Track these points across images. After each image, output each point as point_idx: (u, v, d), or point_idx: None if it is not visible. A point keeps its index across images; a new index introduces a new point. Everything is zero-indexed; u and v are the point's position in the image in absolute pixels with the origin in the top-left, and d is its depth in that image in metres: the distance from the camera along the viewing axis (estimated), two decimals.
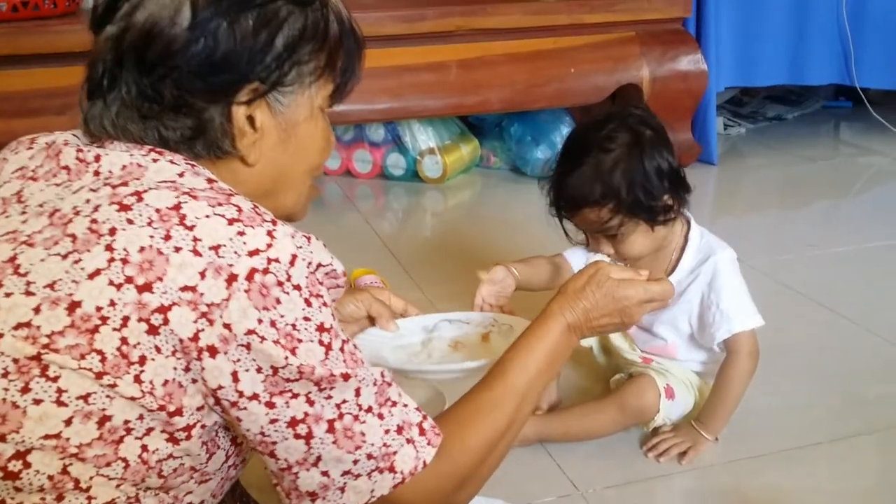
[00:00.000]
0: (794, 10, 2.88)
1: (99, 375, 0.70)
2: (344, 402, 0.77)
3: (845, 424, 1.42)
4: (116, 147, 0.79)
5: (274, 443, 0.76)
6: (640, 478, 1.31)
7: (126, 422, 0.72)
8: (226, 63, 0.78)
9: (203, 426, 0.75)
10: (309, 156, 0.87)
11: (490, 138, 2.85)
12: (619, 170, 1.26)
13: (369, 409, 0.79)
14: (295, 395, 0.74)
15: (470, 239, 2.30)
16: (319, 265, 0.77)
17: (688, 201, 1.32)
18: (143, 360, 0.71)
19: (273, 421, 0.75)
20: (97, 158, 0.78)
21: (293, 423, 0.75)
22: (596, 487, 1.28)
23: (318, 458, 0.77)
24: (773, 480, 1.29)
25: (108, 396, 0.71)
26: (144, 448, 0.73)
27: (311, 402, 0.75)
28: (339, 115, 2.46)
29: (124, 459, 0.73)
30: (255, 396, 0.73)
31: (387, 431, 0.80)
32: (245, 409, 0.74)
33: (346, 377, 0.77)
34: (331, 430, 0.77)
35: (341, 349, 0.77)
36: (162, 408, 0.72)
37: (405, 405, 0.83)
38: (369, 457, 0.79)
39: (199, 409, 0.74)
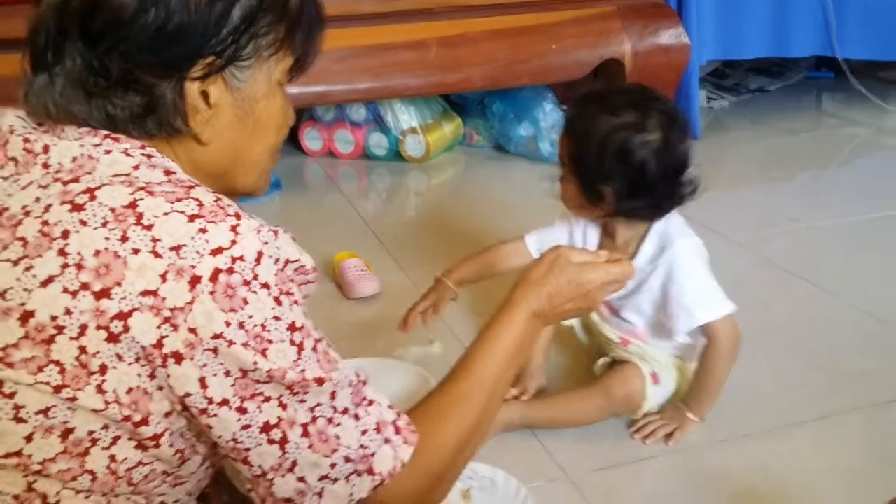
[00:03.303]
0: None
1: (58, 389, 0.67)
2: (318, 405, 0.75)
3: (829, 402, 1.43)
4: (67, 134, 0.74)
5: (247, 449, 0.73)
6: (628, 460, 1.32)
7: (90, 433, 0.69)
8: (179, 36, 0.72)
9: (172, 433, 0.73)
10: (268, 134, 0.83)
11: (473, 116, 2.83)
12: (606, 129, 1.23)
13: (345, 411, 0.77)
14: (267, 399, 0.72)
15: (454, 218, 2.29)
16: (288, 261, 0.73)
17: (637, 213, 1.30)
18: (104, 370, 0.68)
19: (245, 427, 0.72)
20: (45, 149, 0.74)
21: (266, 428, 0.72)
22: (584, 471, 1.29)
23: (294, 464, 0.74)
24: (760, 460, 1.30)
25: (69, 408, 0.68)
26: (112, 458, 0.71)
27: (283, 406, 0.73)
28: (320, 96, 2.44)
29: (91, 472, 0.70)
30: (224, 402, 0.70)
31: (364, 432, 0.77)
32: (215, 415, 0.71)
33: (320, 381, 0.74)
34: (305, 433, 0.74)
35: (314, 349, 0.74)
36: (127, 418, 0.69)
37: (380, 403, 0.80)
38: (347, 460, 0.76)
39: (166, 415, 0.72)
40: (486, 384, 0.88)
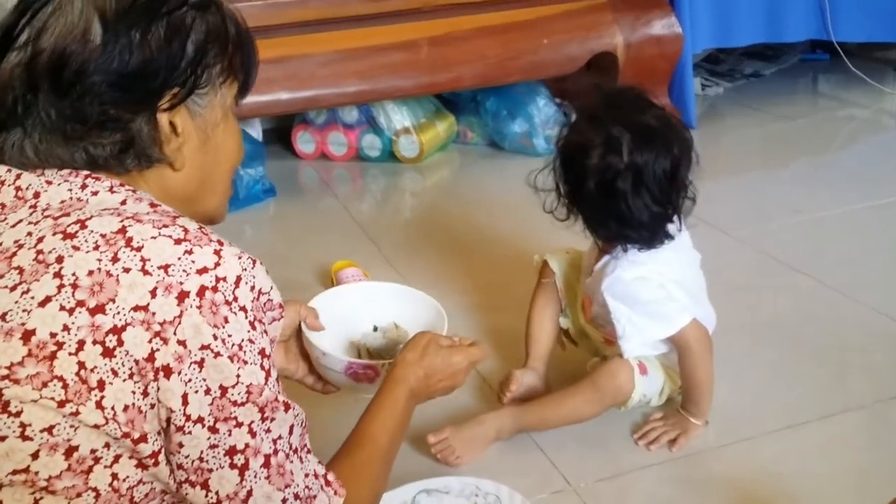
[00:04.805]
0: None
1: (61, 404, 0.70)
2: (280, 437, 0.79)
3: (833, 401, 1.41)
4: (53, 180, 0.79)
5: (210, 470, 0.76)
6: (632, 468, 1.30)
7: (93, 451, 0.72)
8: (144, 72, 0.79)
9: (165, 451, 0.75)
10: (228, 156, 0.91)
11: (466, 114, 2.80)
12: (586, 143, 1.25)
13: (295, 451, 0.82)
14: (239, 424, 0.75)
15: (450, 219, 2.27)
16: (261, 291, 0.78)
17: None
18: (101, 385, 0.71)
19: (213, 446, 0.75)
20: (36, 195, 0.79)
21: (232, 451, 0.76)
22: (588, 481, 1.27)
23: (249, 494, 0.77)
24: (764, 464, 1.28)
25: (71, 426, 0.71)
26: (115, 476, 0.73)
27: (252, 434, 0.76)
28: (309, 101, 2.41)
29: (94, 489, 0.73)
30: (200, 420, 0.74)
31: (306, 475, 0.83)
32: (190, 433, 0.74)
33: (286, 406, 0.80)
34: (266, 464, 0.78)
35: (277, 380, 0.80)
36: (126, 435, 0.72)
37: (313, 455, 0.86)
38: (296, 497, 0.80)
39: (159, 433, 0.75)
40: (382, 452, 0.99)
